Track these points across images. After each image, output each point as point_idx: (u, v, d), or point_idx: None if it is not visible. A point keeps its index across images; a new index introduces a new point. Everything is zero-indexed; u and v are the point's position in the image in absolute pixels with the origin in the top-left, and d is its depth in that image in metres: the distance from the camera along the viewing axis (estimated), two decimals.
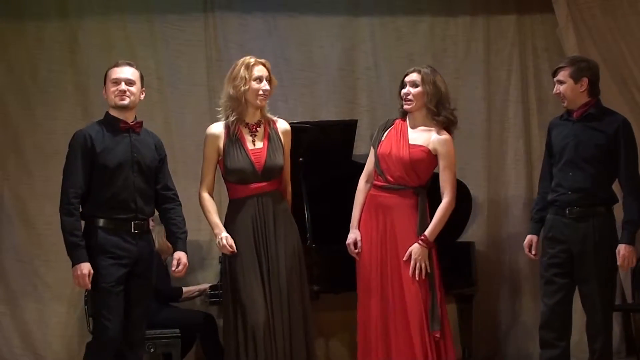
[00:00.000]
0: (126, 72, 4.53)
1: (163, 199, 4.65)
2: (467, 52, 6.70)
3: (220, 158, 4.66)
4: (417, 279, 4.59)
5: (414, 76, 4.73)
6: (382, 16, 6.66)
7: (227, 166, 4.63)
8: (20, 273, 6.20)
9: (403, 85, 4.76)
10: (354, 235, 4.74)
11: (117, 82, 4.50)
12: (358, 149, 6.12)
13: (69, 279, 6.09)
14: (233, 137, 4.62)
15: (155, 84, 6.47)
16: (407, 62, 6.65)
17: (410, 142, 4.70)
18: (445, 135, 4.71)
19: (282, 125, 4.78)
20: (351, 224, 4.77)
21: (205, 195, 4.70)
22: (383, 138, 4.77)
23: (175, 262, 4.55)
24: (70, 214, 4.41)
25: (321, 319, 6.20)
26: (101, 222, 4.45)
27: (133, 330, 4.51)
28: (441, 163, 4.71)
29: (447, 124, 4.72)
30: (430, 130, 4.72)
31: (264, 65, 4.67)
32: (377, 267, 4.68)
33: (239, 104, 4.61)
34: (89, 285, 4.39)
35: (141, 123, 4.60)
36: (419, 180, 4.71)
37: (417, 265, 4.59)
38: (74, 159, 4.47)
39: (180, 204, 4.69)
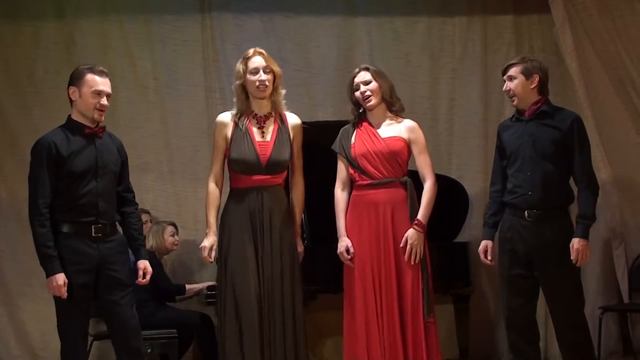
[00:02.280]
0: (107, 84, 4.48)
1: (124, 200, 4.60)
2: (464, 52, 6.71)
3: (227, 146, 4.70)
4: (412, 263, 4.65)
5: (363, 75, 4.81)
6: (379, 16, 6.67)
7: (232, 155, 4.67)
8: (17, 273, 6.21)
9: (356, 88, 4.81)
10: (344, 242, 4.75)
11: (99, 94, 4.43)
12: None
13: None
14: (242, 128, 4.66)
15: (152, 84, 6.49)
16: (404, 62, 6.67)
17: (383, 136, 4.78)
18: (412, 122, 4.84)
19: (293, 119, 4.82)
20: (339, 233, 4.80)
21: (211, 187, 4.74)
22: (353, 142, 4.81)
23: (141, 273, 4.54)
24: (42, 225, 4.35)
25: (318, 319, 6.21)
26: (64, 227, 4.40)
27: (123, 327, 4.46)
28: (415, 149, 4.80)
29: (401, 112, 4.86)
30: (394, 122, 4.82)
31: (261, 55, 4.70)
32: (375, 266, 4.70)
33: (241, 97, 4.71)
34: (65, 295, 4.34)
35: (104, 128, 4.52)
36: (402, 171, 4.78)
37: (413, 250, 4.64)
38: (39, 168, 4.38)
39: (137, 206, 4.69)
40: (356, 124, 4.87)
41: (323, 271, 5.40)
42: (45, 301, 6.15)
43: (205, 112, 6.43)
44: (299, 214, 4.86)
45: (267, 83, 4.66)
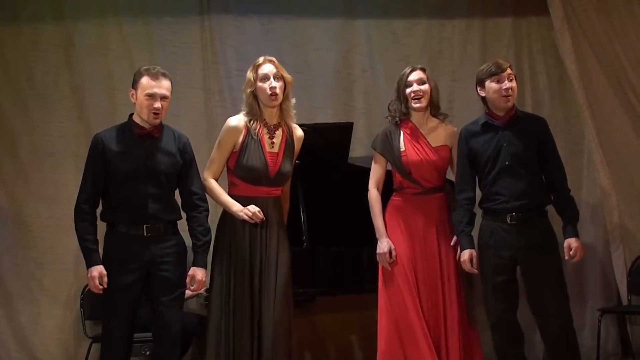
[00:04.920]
0: (162, 86, 4.48)
1: (187, 204, 4.61)
2: (463, 54, 6.70)
3: (235, 151, 4.67)
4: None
5: (420, 74, 4.83)
6: (378, 18, 6.66)
7: (242, 162, 4.64)
8: (16, 276, 6.18)
9: (407, 85, 4.79)
10: (387, 244, 4.74)
11: (153, 97, 4.45)
12: (354, 152, 6.12)
13: (64, 282, 6.17)
14: (255, 136, 4.64)
15: None
16: (403, 65, 6.55)
17: (433, 144, 4.80)
18: (454, 128, 4.90)
19: (298, 132, 4.84)
20: (379, 233, 4.78)
21: (213, 180, 4.71)
22: (403, 148, 4.78)
23: (188, 279, 4.51)
24: (80, 220, 4.46)
25: (318, 322, 6.21)
26: (117, 225, 4.48)
27: (161, 329, 4.50)
28: (454, 155, 4.87)
29: (442, 117, 4.91)
30: (438, 126, 4.86)
31: (271, 62, 4.69)
32: (422, 269, 4.74)
33: (252, 105, 4.68)
34: (99, 288, 4.43)
35: (160, 128, 4.54)
36: (445, 177, 4.86)
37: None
38: (87, 163, 4.51)
39: (206, 209, 4.61)
40: (399, 125, 4.85)
41: (321, 273, 5.39)
42: (44, 303, 6.20)
43: (204, 115, 6.42)
44: (285, 214, 4.84)
45: (277, 90, 4.64)
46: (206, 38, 6.49)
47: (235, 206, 4.62)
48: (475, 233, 4.84)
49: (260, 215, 4.57)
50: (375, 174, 4.85)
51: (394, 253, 4.71)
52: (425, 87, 4.80)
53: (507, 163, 4.66)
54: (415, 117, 4.85)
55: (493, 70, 4.72)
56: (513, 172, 4.66)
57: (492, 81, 4.72)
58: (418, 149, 4.78)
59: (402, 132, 4.83)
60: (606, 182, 6.18)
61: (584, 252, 4.75)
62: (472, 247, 4.78)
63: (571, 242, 4.67)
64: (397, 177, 4.82)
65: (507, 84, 4.70)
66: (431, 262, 4.72)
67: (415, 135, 4.81)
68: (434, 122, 4.87)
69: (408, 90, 4.80)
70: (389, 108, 4.91)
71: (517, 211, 4.64)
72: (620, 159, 6.27)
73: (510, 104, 4.72)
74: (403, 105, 4.82)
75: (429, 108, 4.85)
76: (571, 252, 4.66)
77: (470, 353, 4.72)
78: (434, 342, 4.66)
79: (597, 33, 6.35)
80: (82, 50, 6.37)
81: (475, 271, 4.79)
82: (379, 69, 6.57)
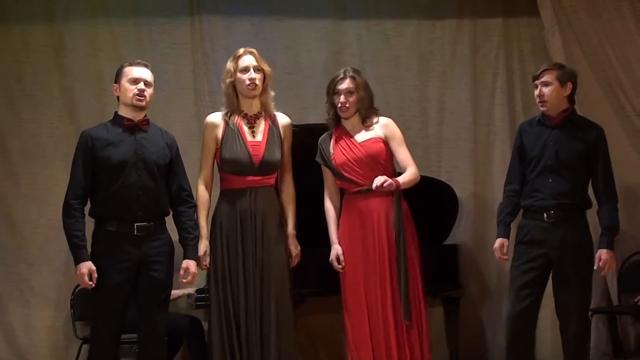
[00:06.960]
0: (145, 73, 4.53)
1: (176, 200, 4.61)
2: (453, 55, 6.70)
3: (217, 147, 4.69)
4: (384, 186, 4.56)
5: (348, 84, 4.77)
6: (368, 19, 6.66)
7: (224, 156, 4.66)
8: (5, 277, 6.18)
9: (336, 93, 4.78)
10: (335, 251, 4.77)
11: (136, 81, 4.49)
12: None
13: (54, 283, 6.16)
14: (234, 128, 4.65)
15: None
16: (393, 65, 6.67)
17: (360, 140, 4.77)
18: (386, 119, 4.83)
19: (283, 119, 4.84)
20: (331, 241, 4.81)
21: (201, 190, 4.73)
22: (332, 152, 4.80)
23: (182, 272, 4.52)
24: (68, 216, 4.43)
25: (309, 322, 6.20)
26: (107, 224, 4.46)
27: (148, 329, 4.51)
28: (393, 144, 4.79)
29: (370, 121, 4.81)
30: (369, 125, 4.80)
31: (252, 54, 4.72)
32: (366, 272, 4.70)
33: (230, 96, 4.70)
34: (89, 284, 4.40)
35: (147, 121, 4.57)
36: (387, 172, 4.76)
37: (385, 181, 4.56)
38: (75, 160, 4.50)
39: (194, 205, 4.66)
40: (332, 132, 4.86)
41: (312, 274, 5.38)
42: (34, 305, 6.19)
43: (194, 115, 6.41)
44: (292, 215, 4.83)
45: (257, 82, 4.68)
46: (196, 39, 6.49)
47: (201, 234, 4.66)
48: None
49: (203, 267, 4.66)
50: (325, 183, 4.88)
51: (341, 259, 4.74)
52: (353, 98, 4.75)
53: (549, 162, 4.71)
54: (347, 123, 4.83)
55: (534, 73, 4.82)
56: (555, 172, 4.70)
57: (534, 85, 4.81)
58: (344, 149, 4.76)
59: (332, 139, 4.84)
60: None
61: (613, 266, 4.77)
62: (506, 237, 4.87)
63: (602, 253, 4.68)
64: (337, 182, 4.83)
65: (538, 91, 4.76)
66: (379, 264, 4.69)
67: (344, 137, 4.80)
68: (367, 122, 4.82)
69: (336, 99, 4.79)
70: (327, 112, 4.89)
71: (555, 209, 4.68)
72: (611, 160, 6.27)
73: (544, 108, 4.76)
74: (332, 112, 4.83)
75: (359, 115, 4.80)
76: (600, 264, 4.68)
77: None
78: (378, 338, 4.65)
79: (587, 34, 6.37)
80: (72, 51, 6.36)
81: (505, 258, 4.87)
82: (369, 70, 6.53)
